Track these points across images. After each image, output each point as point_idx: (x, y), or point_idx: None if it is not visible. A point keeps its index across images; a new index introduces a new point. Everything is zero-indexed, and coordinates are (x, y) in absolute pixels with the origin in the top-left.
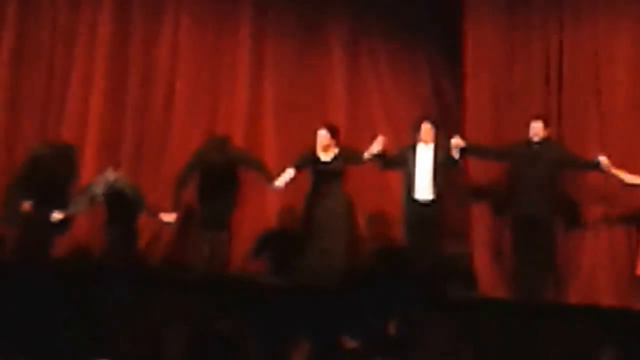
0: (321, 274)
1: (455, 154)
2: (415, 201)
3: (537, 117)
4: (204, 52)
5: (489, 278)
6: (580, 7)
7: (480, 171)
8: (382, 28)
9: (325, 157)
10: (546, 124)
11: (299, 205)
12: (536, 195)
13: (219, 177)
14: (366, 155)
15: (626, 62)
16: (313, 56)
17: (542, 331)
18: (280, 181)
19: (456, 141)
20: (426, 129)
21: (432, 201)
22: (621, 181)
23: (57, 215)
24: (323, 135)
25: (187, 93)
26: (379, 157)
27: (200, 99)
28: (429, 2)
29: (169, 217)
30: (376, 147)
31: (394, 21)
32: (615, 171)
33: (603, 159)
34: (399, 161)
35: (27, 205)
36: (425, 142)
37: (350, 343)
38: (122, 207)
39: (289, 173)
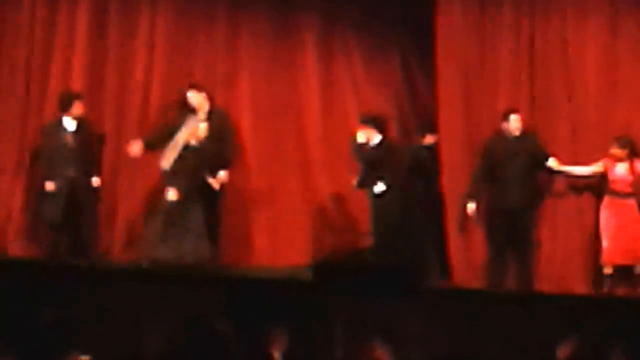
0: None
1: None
2: (374, 194)
3: (514, 111)
4: (178, 51)
5: (463, 268)
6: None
7: (455, 163)
8: (354, 21)
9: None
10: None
11: None
12: (515, 187)
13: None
14: None
15: (595, 52)
16: (286, 50)
17: (516, 320)
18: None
19: (471, 210)
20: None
21: (384, 193)
22: (572, 176)
23: None
24: None
25: (163, 92)
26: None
27: (175, 96)
28: None
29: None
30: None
31: (367, 14)
32: (565, 168)
33: (551, 161)
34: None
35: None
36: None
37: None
38: None
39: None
